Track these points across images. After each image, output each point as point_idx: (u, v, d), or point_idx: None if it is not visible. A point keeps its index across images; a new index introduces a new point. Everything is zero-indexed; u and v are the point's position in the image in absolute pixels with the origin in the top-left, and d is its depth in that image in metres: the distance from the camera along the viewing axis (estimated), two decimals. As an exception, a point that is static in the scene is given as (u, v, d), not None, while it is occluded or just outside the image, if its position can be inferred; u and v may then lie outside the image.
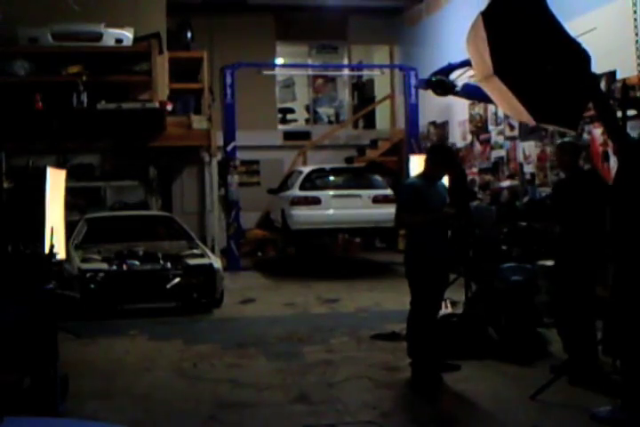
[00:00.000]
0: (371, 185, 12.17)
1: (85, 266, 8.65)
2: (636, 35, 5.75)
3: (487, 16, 4.83)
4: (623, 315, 4.69)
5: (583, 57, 5.05)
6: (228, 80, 12.85)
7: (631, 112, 7.20)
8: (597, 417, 4.70)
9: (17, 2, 11.21)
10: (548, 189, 10.07)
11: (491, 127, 11.87)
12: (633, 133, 7.97)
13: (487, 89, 5.10)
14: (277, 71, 16.56)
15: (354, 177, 12.57)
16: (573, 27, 6.29)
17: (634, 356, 4.59)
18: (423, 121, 14.02)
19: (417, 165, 8.98)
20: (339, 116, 17.81)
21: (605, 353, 5.62)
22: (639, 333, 4.57)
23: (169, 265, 8.83)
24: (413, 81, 13.53)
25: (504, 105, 5.34)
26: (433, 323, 5.78)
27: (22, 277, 5.26)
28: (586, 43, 5.59)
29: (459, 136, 13.11)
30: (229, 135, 12.85)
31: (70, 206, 8.77)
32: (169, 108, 11.76)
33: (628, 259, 4.67)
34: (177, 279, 8.70)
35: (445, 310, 6.99)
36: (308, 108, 17.51)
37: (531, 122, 5.33)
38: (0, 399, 4.58)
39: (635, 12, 5.88)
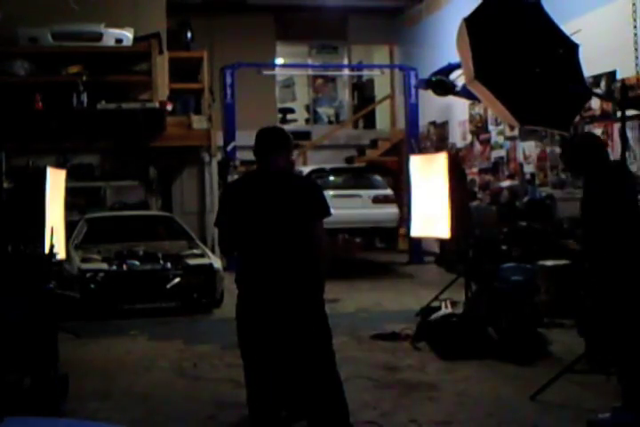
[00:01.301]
0: (371, 185, 12.19)
1: (85, 266, 8.66)
2: (635, 35, 5.78)
3: (470, 22, 4.92)
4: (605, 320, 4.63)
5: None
6: (228, 80, 12.85)
7: (630, 112, 7.22)
8: (597, 425, 4.61)
9: (17, 2, 11.21)
10: (548, 189, 10.08)
11: (491, 127, 11.87)
12: (631, 134, 8.00)
13: (474, 91, 5.18)
14: (277, 71, 16.55)
15: (354, 177, 12.57)
16: (573, 27, 6.31)
17: (628, 357, 4.57)
18: (423, 121, 14.02)
19: (417, 165, 8.95)
20: (339, 116, 17.79)
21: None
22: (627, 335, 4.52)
23: (169, 265, 8.83)
24: (413, 81, 13.53)
25: (491, 107, 5.40)
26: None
27: (22, 277, 5.26)
28: (586, 43, 5.60)
29: (459, 136, 13.11)
30: (229, 135, 12.85)
31: (70, 206, 8.78)
32: (169, 108, 11.76)
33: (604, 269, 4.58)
34: (177, 279, 8.71)
35: (445, 309, 7.00)
36: (308, 108, 17.50)
37: (515, 124, 5.37)
38: (0, 399, 4.58)
39: (634, 11, 5.91)
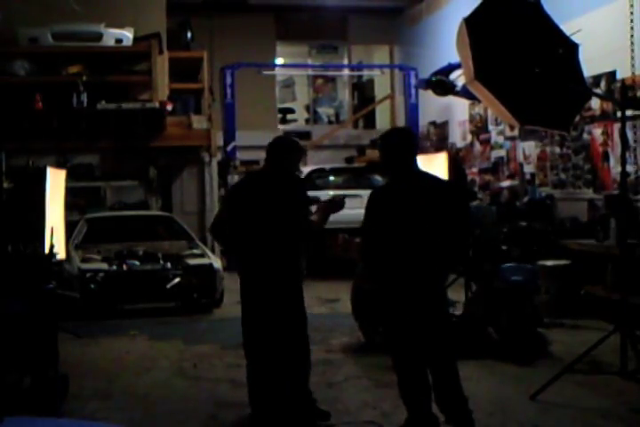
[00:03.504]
0: (371, 185, 12.17)
1: (85, 266, 8.66)
2: (632, 36, 5.79)
3: (470, 22, 4.93)
4: None
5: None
6: (228, 80, 12.85)
7: (630, 112, 7.23)
8: None
9: (17, 2, 11.21)
10: (548, 189, 10.08)
11: (491, 127, 11.87)
12: (631, 134, 8.00)
13: (474, 91, 5.19)
14: (277, 71, 16.55)
15: (354, 177, 12.57)
16: (573, 27, 6.31)
17: None
18: (423, 121, 14.01)
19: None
20: (339, 116, 17.79)
21: None
22: None
23: (169, 265, 8.83)
24: (413, 81, 13.52)
25: (491, 107, 5.42)
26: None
27: (22, 277, 5.26)
28: (586, 43, 5.61)
29: (459, 136, 13.10)
30: (229, 135, 12.85)
31: (70, 206, 8.78)
32: (169, 108, 11.75)
33: None
34: (177, 279, 8.71)
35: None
36: (308, 108, 17.50)
37: (515, 124, 5.39)
38: (0, 399, 4.58)
39: (631, 13, 5.92)
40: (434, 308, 4.45)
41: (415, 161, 4.50)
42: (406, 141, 4.48)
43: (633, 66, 5.66)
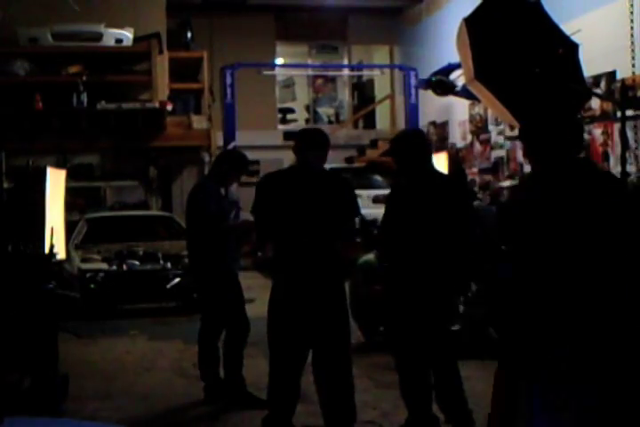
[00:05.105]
0: (371, 185, 12.18)
1: (85, 266, 8.66)
2: (632, 35, 5.80)
3: (470, 22, 4.95)
4: None
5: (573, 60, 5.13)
6: (228, 80, 12.86)
7: (630, 112, 7.23)
8: None
9: (17, 2, 11.22)
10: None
11: (491, 127, 11.87)
12: (631, 134, 8.01)
13: (474, 91, 5.20)
14: (277, 71, 16.56)
15: (354, 177, 12.56)
16: (573, 27, 6.32)
17: None
18: (423, 121, 14.01)
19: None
20: (339, 116, 17.80)
21: None
22: None
23: (169, 265, 8.83)
24: (413, 81, 13.53)
25: (491, 107, 5.44)
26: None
27: (22, 277, 5.26)
28: (586, 43, 5.61)
29: (459, 136, 13.11)
30: (229, 135, 12.85)
31: (70, 206, 8.77)
32: (169, 108, 11.76)
33: None
34: (177, 279, 8.71)
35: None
36: (308, 108, 17.50)
37: (515, 124, 5.40)
38: (0, 399, 4.58)
39: (631, 12, 5.94)
40: (439, 309, 4.44)
41: (431, 160, 4.55)
42: (420, 143, 4.53)
43: (633, 66, 5.67)
